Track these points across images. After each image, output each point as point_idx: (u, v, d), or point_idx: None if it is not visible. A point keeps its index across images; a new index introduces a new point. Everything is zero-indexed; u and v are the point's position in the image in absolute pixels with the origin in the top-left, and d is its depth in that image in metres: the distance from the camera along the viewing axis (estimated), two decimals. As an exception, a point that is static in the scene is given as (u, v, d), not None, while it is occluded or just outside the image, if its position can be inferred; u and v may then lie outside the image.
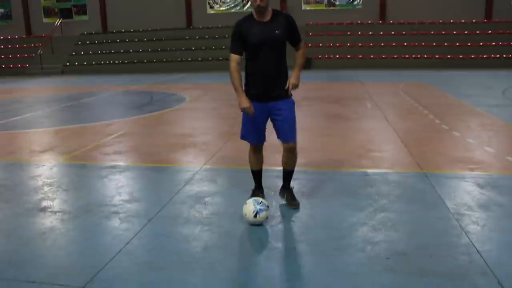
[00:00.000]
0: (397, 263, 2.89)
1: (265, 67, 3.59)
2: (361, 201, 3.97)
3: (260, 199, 3.54)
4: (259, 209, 3.43)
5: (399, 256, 2.99)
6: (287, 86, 3.63)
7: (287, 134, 3.70)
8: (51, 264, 3.03)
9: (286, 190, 3.96)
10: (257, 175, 4.01)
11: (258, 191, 4.00)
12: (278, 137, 3.77)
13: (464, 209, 3.72)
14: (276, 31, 3.54)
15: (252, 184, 4.04)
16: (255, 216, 3.43)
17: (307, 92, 11.34)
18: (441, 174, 4.71)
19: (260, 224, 3.48)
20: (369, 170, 4.90)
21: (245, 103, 3.60)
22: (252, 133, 3.76)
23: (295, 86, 3.64)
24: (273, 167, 4.74)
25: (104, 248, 3.20)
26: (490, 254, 2.96)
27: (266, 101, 3.65)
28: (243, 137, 3.84)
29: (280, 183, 4.06)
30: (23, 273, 2.87)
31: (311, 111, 8.93)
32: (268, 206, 3.51)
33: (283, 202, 3.94)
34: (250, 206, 3.45)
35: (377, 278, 2.73)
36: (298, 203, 3.86)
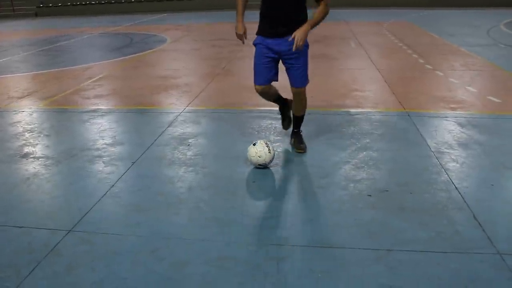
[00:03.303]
0: (378, 200, 2.97)
1: (276, 11, 3.39)
2: (344, 140, 4.01)
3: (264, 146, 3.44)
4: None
5: (380, 193, 3.06)
6: (291, 37, 3.28)
7: (293, 80, 3.57)
8: (38, 209, 3.04)
9: (294, 134, 3.90)
10: (277, 102, 3.93)
11: (283, 109, 4.00)
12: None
13: (444, 148, 3.79)
14: None
15: (233, 126, 4.02)
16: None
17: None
18: (423, 113, 4.75)
19: (263, 166, 3.48)
20: (352, 110, 4.92)
21: (239, 29, 3.57)
22: (255, 70, 3.61)
23: (299, 39, 3.24)
24: (259, 108, 4.72)
25: (89, 192, 3.21)
26: (467, 191, 3.06)
27: (273, 37, 3.45)
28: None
29: (264, 124, 4.06)
30: (10, 219, 2.87)
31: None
32: (269, 150, 3.44)
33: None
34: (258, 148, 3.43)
35: (359, 214, 2.81)
36: (304, 147, 3.79)
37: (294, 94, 3.67)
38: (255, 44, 3.57)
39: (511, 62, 7.36)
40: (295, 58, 3.47)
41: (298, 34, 3.25)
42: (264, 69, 3.55)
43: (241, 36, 3.62)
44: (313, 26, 3.36)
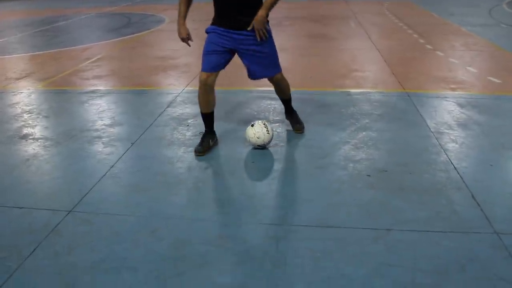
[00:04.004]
0: (377, 180, 2.98)
1: (228, 2, 3.17)
2: (343, 121, 4.00)
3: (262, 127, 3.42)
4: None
5: (379, 173, 3.07)
6: (249, 27, 3.14)
7: (265, 71, 3.41)
8: (38, 190, 3.05)
9: (288, 114, 3.83)
10: (207, 119, 3.55)
11: (206, 134, 3.55)
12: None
13: (444, 128, 3.78)
14: None
15: (232, 106, 3.99)
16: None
17: (289, 11, 11.01)
18: (423, 93, 4.73)
19: (262, 146, 3.46)
20: (352, 90, 4.90)
21: (180, 33, 3.33)
22: (204, 56, 3.30)
23: (259, 29, 3.13)
24: (258, 88, 4.70)
25: (89, 173, 3.21)
26: (466, 171, 3.06)
27: (229, 28, 3.22)
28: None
29: (263, 104, 4.05)
30: (10, 200, 2.88)
31: (293, 30, 8.71)
32: (268, 131, 3.42)
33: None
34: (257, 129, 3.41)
35: (358, 194, 2.82)
36: (302, 127, 3.76)
37: (273, 83, 3.56)
38: (207, 32, 3.33)
39: (512, 42, 7.31)
40: (259, 45, 3.25)
41: (256, 25, 3.11)
42: (214, 56, 3.27)
43: (185, 40, 3.36)
44: (269, 9, 3.14)
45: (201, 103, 3.46)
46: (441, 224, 2.49)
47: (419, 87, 4.97)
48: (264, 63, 3.37)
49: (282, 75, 3.52)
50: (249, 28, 3.15)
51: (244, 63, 3.39)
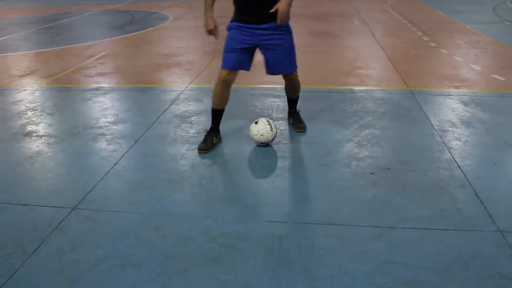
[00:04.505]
0: (381, 178, 2.97)
1: None
2: (346, 118, 3.99)
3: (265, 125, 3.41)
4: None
5: (383, 171, 3.06)
6: (273, 9, 3.07)
7: (282, 66, 3.39)
8: (42, 187, 3.06)
9: (291, 113, 3.86)
10: (215, 117, 3.52)
11: (211, 132, 3.52)
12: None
13: (447, 126, 3.77)
14: None
15: (236, 104, 3.99)
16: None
17: (292, 8, 10.94)
18: (427, 91, 4.72)
19: (265, 143, 3.46)
20: (356, 88, 4.89)
21: (208, 24, 3.24)
22: (225, 54, 3.29)
23: (283, 13, 3.06)
24: (262, 85, 4.70)
25: (92, 170, 3.22)
26: (469, 169, 3.06)
27: (251, 23, 3.20)
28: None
29: (267, 101, 4.05)
30: (14, 197, 2.89)
31: (296, 28, 8.65)
32: (271, 128, 3.42)
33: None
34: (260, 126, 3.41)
35: (361, 192, 2.82)
36: (304, 126, 3.76)
37: (287, 81, 3.56)
38: (229, 29, 3.30)
39: (516, 40, 7.27)
40: (281, 40, 3.25)
41: (280, 7, 3.03)
42: (235, 53, 3.25)
43: (212, 32, 3.27)
44: None
45: (216, 99, 3.43)
46: (444, 222, 2.49)
47: (423, 85, 4.96)
48: (284, 58, 3.35)
49: (296, 74, 3.52)
50: (272, 10, 3.05)
51: (264, 56, 3.33)
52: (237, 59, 3.27)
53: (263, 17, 3.16)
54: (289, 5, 3.08)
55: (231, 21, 3.31)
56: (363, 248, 2.30)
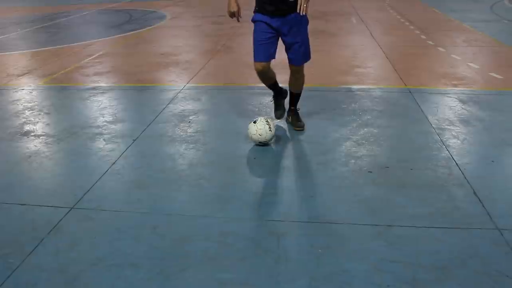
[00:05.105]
0: (379, 176, 2.98)
1: None
2: (345, 117, 4.00)
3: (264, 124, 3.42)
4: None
5: (381, 169, 3.07)
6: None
7: (295, 58, 3.50)
8: (40, 187, 3.06)
9: (291, 112, 3.87)
10: (272, 88, 3.78)
11: (277, 97, 3.85)
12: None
13: (445, 124, 3.78)
14: None
15: (234, 103, 4.00)
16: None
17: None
18: (424, 89, 4.73)
19: (264, 143, 3.46)
20: (354, 86, 4.89)
21: (231, 6, 3.35)
22: (255, 47, 3.43)
23: (303, 1, 3.03)
24: (260, 84, 4.69)
25: (90, 169, 3.22)
26: (468, 167, 3.06)
27: (273, 15, 3.32)
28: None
29: (265, 100, 4.05)
30: (12, 197, 2.89)
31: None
32: (270, 128, 3.42)
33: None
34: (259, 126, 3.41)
35: (360, 190, 2.82)
36: (302, 125, 3.77)
37: (293, 71, 3.61)
38: (254, 21, 3.43)
39: (514, 38, 7.28)
40: (298, 34, 3.39)
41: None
42: (265, 45, 3.39)
43: (234, 14, 3.39)
44: None
45: (263, 81, 3.64)
46: (443, 220, 2.49)
47: (420, 83, 4.97)
48: (302, 46, 3.45)
49: (303, 68, 3.60)
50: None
51: (287, 41, 3.44)
52: (267, 50, 3.40)
53: (284, 11, 3.28)
54: None
55: (254, 12, 3.43)
56: (362, 246, 2.30)
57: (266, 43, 3.39)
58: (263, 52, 3.41)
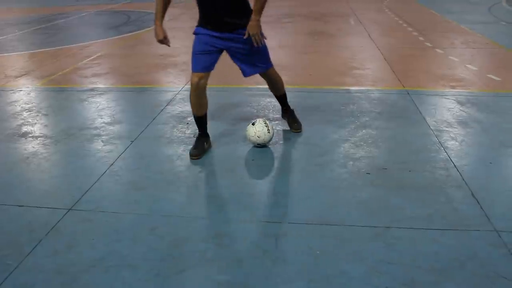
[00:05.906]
0: (377, 178, 2.98)
1: (213, 3, 3.08)
2: (343, 118, 4.00)
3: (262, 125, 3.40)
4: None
5: (379, 171, 3.07)
6: (245, 36, 3.08)
7: (258, 65, 3.35)
8: (38, 188, 3.05)
9: (285, 113, 3.82)
10: (199, 123, 3.45)
11: (201, 139, 3.45)
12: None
13: (443, 126, 3.78)
14: None
15: (232, 104, 3.98)
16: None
17: (289, 8, 10.99)
18: (423, 91, 4.73)
19: (262, 145, 3.45)
20: (352, 88, 4.90)
21: (157, 35, 3.25)
22: (194, 57, 3.23)
23: (253, 32, 3.05)
24: (258, 86, 4.69)
25: (88, 171, 3.21)
26: (466, 169, 3.06)
27: (217, 31, 3.15)
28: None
29: (263, 101, 4.04)
30: (10, 198, 2.88)
31: (292, 28, 8.70)
32: (268, 130, 3.41)
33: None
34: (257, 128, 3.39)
35: (358, 192, 2.82)
36: (300, 126, 3.74)
37: (267, 79, 3.53)
38: (196, 33, 3.26)
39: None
40: (249, 44, 3.15)
41: (251, 30, 3.05)
42: (206, 55, 3.19)
43: (163, 42, 3.29)
44: (261, 12, 3.06)
45: (194, 106, 3.36)
46: (441, 221, 2.49)
47: (418, 85, 4.97)
48: (255, 59, 3.30)
49: (274, 70, 3.49)
50: (245, 37, 3.08)
51: (235, 62, 3.33)
52: (207, 60, 3.21)
53: (228, 25, 3.12)
54: (259, 26, 3.07)
55: (197, 26, 3.27)
56: (360, 248, 2.30)
57: (206, 53, 3.20)
58: (202, 62, 3.21)
